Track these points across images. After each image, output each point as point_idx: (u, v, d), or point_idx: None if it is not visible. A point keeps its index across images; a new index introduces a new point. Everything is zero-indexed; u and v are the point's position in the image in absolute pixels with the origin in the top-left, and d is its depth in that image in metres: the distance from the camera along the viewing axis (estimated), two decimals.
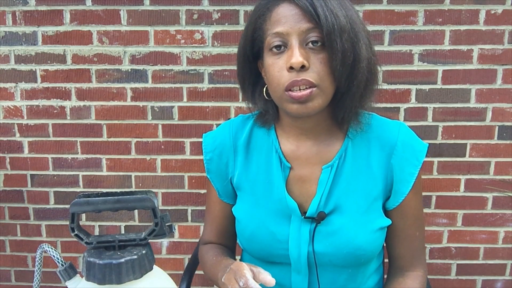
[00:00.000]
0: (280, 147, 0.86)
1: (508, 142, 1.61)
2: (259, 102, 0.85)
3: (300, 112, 0.75)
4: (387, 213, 0.86)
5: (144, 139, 1.68)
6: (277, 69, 0.74)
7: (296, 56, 0.71)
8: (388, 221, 0.85)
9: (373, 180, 0.82)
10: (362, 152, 0.83)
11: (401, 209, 0.85)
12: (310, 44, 0.72)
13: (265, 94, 0.83)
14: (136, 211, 1.74)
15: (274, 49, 0.74)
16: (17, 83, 1.65)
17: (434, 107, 1.60)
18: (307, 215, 0.82)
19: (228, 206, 0.94)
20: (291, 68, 0.72)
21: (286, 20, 0.72)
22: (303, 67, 0.71)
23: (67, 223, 0.70)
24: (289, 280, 0.86)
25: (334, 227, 0.81)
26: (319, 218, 0.81)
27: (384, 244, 0.90)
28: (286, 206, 0.83)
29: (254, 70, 0.83)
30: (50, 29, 1.60)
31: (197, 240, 1.71)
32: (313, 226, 0.82)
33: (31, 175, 1.72)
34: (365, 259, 0.83)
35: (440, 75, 1.57)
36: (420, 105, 1.60)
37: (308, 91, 0.72)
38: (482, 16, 1.52)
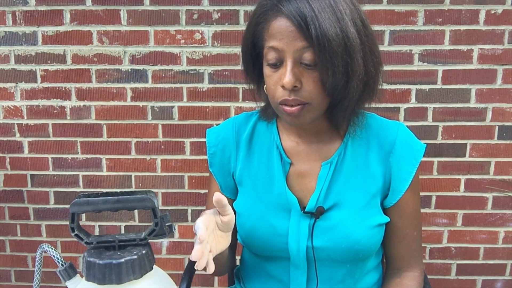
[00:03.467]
0: (281, 143, 0.88)
1: (508, 142, 1.61)
2: (263, 96, 0.87)
3: (293, 123, 0.80)
4: (385, 211, 0.87)
5: (144, 139, 1.68)
6: (273, 82, 0.77)
7: (289, 78, 0.73)
8: (386, 218, 0.86)
9: (371, 177, 0.84)
10: (361, 150, 0.85)
11: (399, 208, 0.86)
12: (304, 63, 0.74)
13: (265, 91, 0.84)
14: (136, 211, 1.73)
15: (271, 65, 0.76)
16: (17, 83, 1.65)
17: (434, 107, 1.60)
18: (306, 210, 0.84)
19: (229, 202, 0.94)
20: (283, 86, 0.74)
21: (282, 37, 0.73)
22: (295, 87, 0.74)
23: (67, 223, 0.70)
24: (288, 275, 0.87)
25: (333, 222, 0.83)
26: (318, 213, 0.83)
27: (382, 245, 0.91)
28: (286, 201, 0.85)
29: (258, 67, 0.84)
30: (50, 29, 1.60)
31: None
32: (312, 221, 0.83)
33: (31, 175, 1.72)
34: (363, 255, 0.84)
35: (440, 75, 1.57)
36: (420, 105, 1.60)
37: (299, 107, 0.75)
38: (482, 16, 1.52)
